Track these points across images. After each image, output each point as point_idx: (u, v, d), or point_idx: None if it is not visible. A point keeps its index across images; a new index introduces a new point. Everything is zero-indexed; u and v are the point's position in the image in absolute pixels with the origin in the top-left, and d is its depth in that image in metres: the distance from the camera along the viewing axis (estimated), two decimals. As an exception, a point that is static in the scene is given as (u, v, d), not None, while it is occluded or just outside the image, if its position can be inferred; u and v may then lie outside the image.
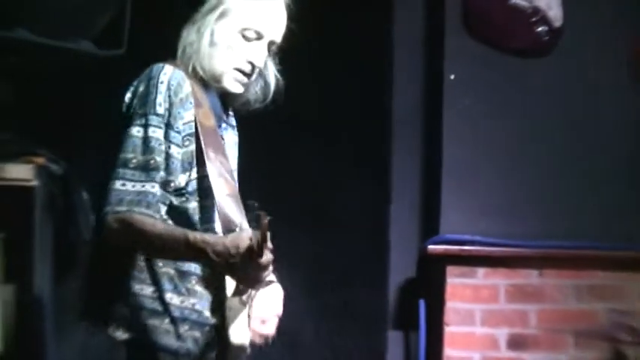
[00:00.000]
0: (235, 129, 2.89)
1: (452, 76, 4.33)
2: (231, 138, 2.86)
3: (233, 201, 2.64)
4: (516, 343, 4.31)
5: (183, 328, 2.66)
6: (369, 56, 4.35)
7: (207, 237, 2.56)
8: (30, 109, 3.56)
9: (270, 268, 2.58)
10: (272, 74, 2.81)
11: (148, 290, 2.66)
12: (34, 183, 3.21)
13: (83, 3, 3.06)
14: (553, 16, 4.32)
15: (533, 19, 4.32)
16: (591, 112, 4.39)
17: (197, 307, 2.68)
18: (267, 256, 2.54)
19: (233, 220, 2.60)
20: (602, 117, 4.39)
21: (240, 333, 2.70)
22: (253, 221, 2.57)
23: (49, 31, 3.01)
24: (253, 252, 2.50)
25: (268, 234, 2.47)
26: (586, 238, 4.33)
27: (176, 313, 2.66)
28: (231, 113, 2.86)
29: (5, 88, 3.23)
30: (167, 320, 2.65)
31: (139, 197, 2.57)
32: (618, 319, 4.27)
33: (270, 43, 2.74)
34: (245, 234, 2.54)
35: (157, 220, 2.59)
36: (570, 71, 4.37)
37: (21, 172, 3.19)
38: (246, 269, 2.53)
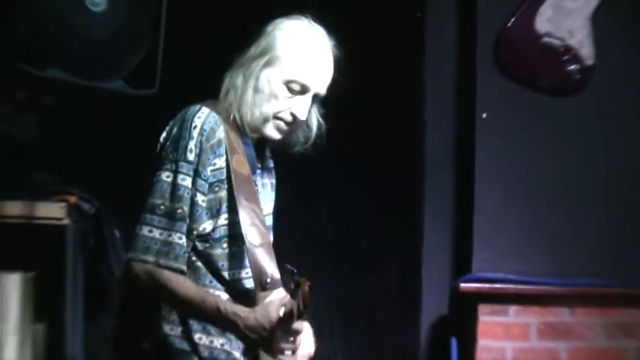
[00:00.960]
0: (273, 171, 2.85)
1: (484, 115, 4.29)
2: (267, 181, 2.82)
3: (265, 250, 2.60)
4: (547, 380, 4.28)
5: None
6: (402, 96, 4.32)
7: (238, 310, 2.54)
8: (63, 148, 3.57)
9: (300, 335, 2.56)
10: (314, 118, 2.75)
11: (177, 330, 2.61)
12: (66, 222, 3.24)
13: (116, 43, 3.04)
14: (585, 55, 4.29)
15: (565, 58, 4.29)
16: (625, 150, 4.35)
17: (226, 347, 2.63)
18: (299, 325, 2.50)
19: (265, 271, 2.57)
20: (634, 154, 4.34)
21: None
22: (290, 285, 2.52)
23: (82, 70, 3.00)
24: (292, 317, 2.47)
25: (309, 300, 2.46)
26: (618, 276, 4.28)
27: (205, 354, 2.61)
28: (268, 155, 2.81)
29: (39, 128, 3.22)
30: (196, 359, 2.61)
31: (166, 248, 2.54)
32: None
33: (315, 96, 2.68)
34: (273, 307, 2.51)
35: (186, 279, 2.57)
36: (603, 109, 4.34)
37: (53, 211, 3.23)
38: (276, 338, 2.51)
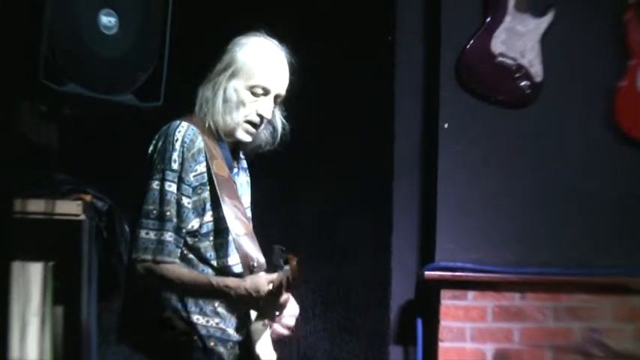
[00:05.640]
0: (247, 170, 2.90)
1: (445, 125, 4.33)
2: (243, 179, 2.87)
3: (249, 239, 2.68)
4: (502, 357, 4.29)
5: (210, 344, 2.66)
6: (375, 106, 4.36)
7: (229, 282, 2.61)
8: (80, 153, 3.57)
9: (287, 300, 2.62)
10: (279, 120, 2.82)
11: (178, 313, 2.66)
12: (82, 217, 3.21)
13: (126, 62, 3.06)
14: (534, 72, 4.32)
15: (517, 75, 4.32)
16: (569, 155, 4.39)
17: (221, 325, 2.69)
18: (286, 295, 2.57)
19: (251, 256, 2.64)
20: (578, 159, 4.39)
21: (266, 351, 2.70)
22: (280, 263, 2.58)
23: (96, 86, 3.01)
24: (281, 289, 2.51)
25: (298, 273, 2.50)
26: (563, 265, 4.32)
27: (203, 331, 2.67)
28: (242, 157, 2.87)
29: (60, 136, 3.22)
30: (195, 337, 2.66)
31: (160, 246, 2.61)
32: (591, 336, 4.21)
33: (276, 97, 2.75)
34: (262, 279, 2.58)
35: (181, 267, 2.63)
36: (549, 120, 4.37)
37: (71, 208, 3.19)
38: (266, 306, 2.57)
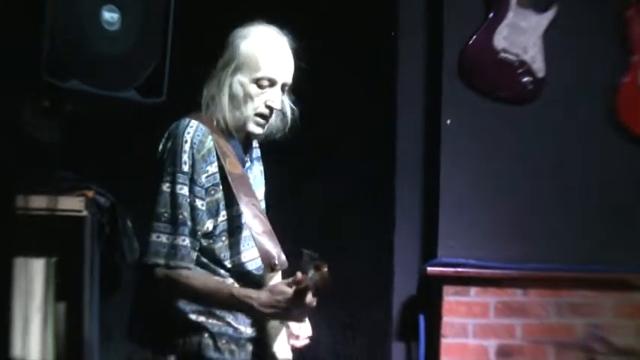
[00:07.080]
0: (260, 159, 2.86)
1: (448, 121, 4.32)
2: (257, 169, 2.83)
3: (268, 237, 2.64)
4: (504, 353, 4.29)
5: (221, 342, 2.63)
6: (377, 102, 4.36)
7: (250, 292, 2.56)
8: (83, 150, 3.57)
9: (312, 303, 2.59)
10: (287, 106, 2.76)
11: (189, 314, 2.63)
12: (85, 213, 3.21)
13: (128, 57, 3.05)
14: (537, 68, 4.32)
15: (520, 71, 4.32)
16: (571, 151, 4.38)
17: (233, 323, 2.65)
18: (310, 299, 2.55)
19: (272, 254, 2.61)
20: (579, 155, 4.39)
21: (283, 349, 2.67)
22: (310, 268, 2.53)
23: (99, 82, 2.99)
24: (306, 291, 2.49)
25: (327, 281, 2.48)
26: (565, 261, 4.32)
27: (214, 329, 2.63)
28: (255, 145, 2.82)
29: (62, 132, 3.21)
30: (207, 335, 2.62)
31: (173, 250, 2.56)
32: (594, 332, 4.25)
33: (283, 85, 2.70)
34: (282, 285, 2.54)
35: (201, 272, 2.59)
36: (552, 116, 4.37)
37: (73, 204, 3.19)
38: (291, 311, 2.54)
